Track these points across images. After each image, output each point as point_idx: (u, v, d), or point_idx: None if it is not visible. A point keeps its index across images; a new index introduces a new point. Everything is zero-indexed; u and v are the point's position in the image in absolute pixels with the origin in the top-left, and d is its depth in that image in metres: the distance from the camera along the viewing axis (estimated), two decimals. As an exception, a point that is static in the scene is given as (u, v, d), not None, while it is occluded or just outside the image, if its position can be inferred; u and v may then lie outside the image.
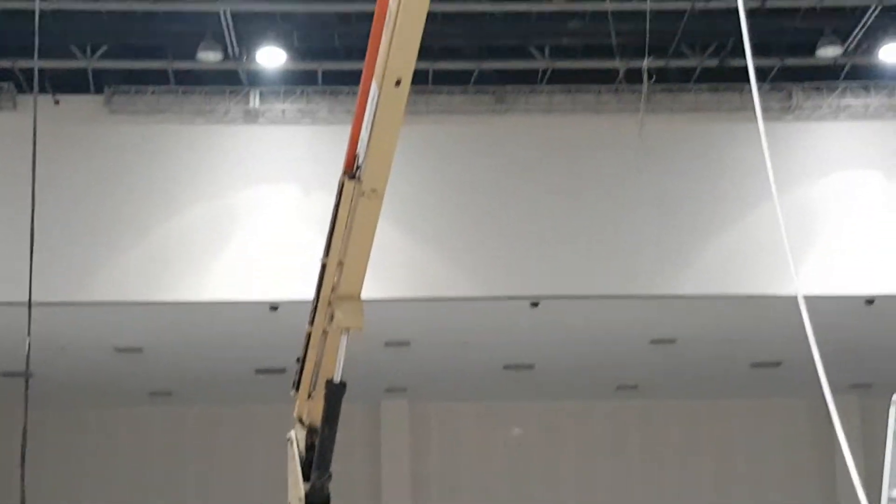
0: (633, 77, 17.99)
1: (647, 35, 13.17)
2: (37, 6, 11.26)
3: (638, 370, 23.50)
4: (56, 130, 17.71)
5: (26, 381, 9.99)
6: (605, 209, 18.96)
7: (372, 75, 7.74)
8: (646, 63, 13.57)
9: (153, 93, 19.24)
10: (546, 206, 18.91)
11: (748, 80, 8.47)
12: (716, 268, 18.82)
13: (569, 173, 19.14)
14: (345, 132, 8.41)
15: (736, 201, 18.83)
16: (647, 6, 14.89)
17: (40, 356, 11.62)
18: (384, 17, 7.48)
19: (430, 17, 7.49)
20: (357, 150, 8.16)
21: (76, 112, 19.06)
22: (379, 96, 7.66)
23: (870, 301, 19.14)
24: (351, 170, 8.27)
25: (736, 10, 8.50)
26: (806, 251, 18.36)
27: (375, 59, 7.67)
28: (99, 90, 19.29)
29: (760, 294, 18.59)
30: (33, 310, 10.04)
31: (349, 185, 8.22)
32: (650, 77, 15.54)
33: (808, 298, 8.11)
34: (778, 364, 22.82)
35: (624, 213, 18.91)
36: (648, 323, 20.56)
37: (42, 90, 18.14)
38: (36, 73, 11.70)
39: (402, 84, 7.59)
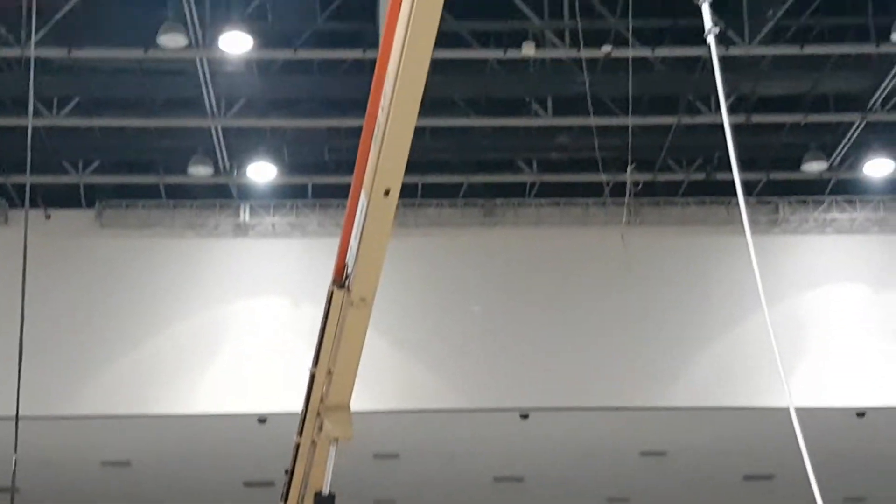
0: (621, 190, 18.07)
1: (630, 149, 13.32)
2: (29, 123, 11.36)
3: (629, 482, 23.27)
4: (47, 244, 17.77)
5: (12, 497, 9.87)
6: (595, 321, 18.98)
7: (361, 186, 7.78)
8: (629, 176, 13.74)
9: (144, 207, 19.36)
10: (535, 318, 18.93)
11: (735, 194, 8.49)
12: (705, 380, 18.79)
13: (558, 286, 19.19)
14: (335, 245, 8.42)
15: (724, 313, 18.86)
16: (630, 121, 15.09)
17: (27, 470, 11.50)
18: (373, 130, 7.54)
19: (419, 131, 7.55)
20: (346, 260, 8.17)
21: (67, 226, 19.14)
22: (368, 206, 7.67)
23: (861, 414, 19.07)
24: (340, 279, 8.27)
25: (721, 125, 8.57)
26: (795, 363, 18.34)
27: (364, 170, 7.71)
28: (90, 204, 19.42)
29: (751, 406, 18.53)
30: (20, 423, 9.96)
31: (338, 294, 8.22)
32: (634, 188, 15.63)
33: (799, 411, 8.07)
34: (770, 477, 22.61)
35: (613, 325, 18.92)
36: (638, 435, 20.43)
37: (34, 205, 18.25)
38: (28, 188, 11.83)
39: (390, 194, 7.60)
